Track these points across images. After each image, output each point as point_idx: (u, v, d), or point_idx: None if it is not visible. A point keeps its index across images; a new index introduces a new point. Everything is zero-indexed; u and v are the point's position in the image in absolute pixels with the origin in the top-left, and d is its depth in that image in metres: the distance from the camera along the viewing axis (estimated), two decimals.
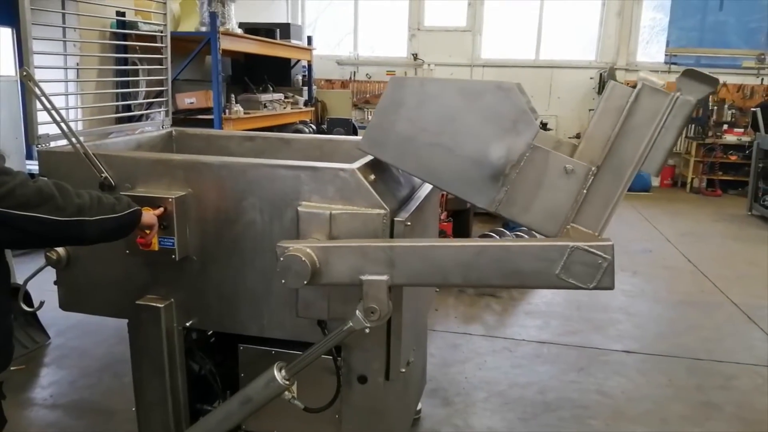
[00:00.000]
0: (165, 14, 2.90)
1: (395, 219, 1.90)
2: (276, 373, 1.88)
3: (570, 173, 1.71)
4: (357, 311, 1.76)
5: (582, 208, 1.70)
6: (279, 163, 1.98)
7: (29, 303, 2.98)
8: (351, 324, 1.78)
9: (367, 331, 1.78)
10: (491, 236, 5.48)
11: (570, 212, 1.71)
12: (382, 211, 1.86)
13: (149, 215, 1.89)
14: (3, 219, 1.41)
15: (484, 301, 4.89)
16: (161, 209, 1.95)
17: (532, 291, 5.18)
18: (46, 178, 1.64)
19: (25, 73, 2.05)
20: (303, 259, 1.73)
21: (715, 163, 9.84)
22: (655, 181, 10.30)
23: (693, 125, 10.20)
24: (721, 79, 10.18)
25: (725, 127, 9.92)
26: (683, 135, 10.35)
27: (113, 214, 1.67)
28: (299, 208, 1.90)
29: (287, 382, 1.88)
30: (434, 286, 1.86)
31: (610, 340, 4.23)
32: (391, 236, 1.88)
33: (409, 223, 1.91)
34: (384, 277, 1.72)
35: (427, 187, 2.44)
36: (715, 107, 9.96)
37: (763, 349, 4.12)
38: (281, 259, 1.75)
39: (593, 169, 1.68)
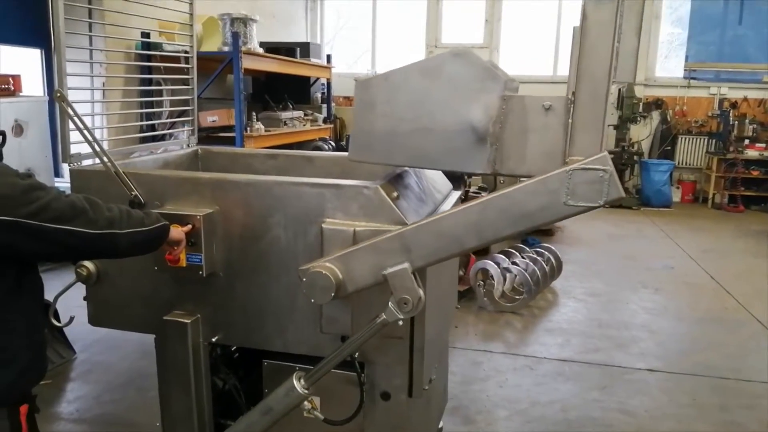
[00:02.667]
0: (192, 36, 2.98)
1: None
2: (295, 382, 1.88)
3: (550, 109, 1.72)
4: (389, 303, 1.74)
5: (574, 139, 1.68)
6: (304, 181, 2.02)
7: (57, 318, 3.04)
8: (384, 317, 1.76)
9: (401, 323, 1.76)
10: (511, 252, 5.48)
11: (564, 146, 1.71)
12: None
13: (177, 231, 1.94)
14: (38, 232, 1.46)
15: (504, 318, 4.87)
16: (189, 226, 1.99)
17: (553, 308, 5.15)
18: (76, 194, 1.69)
19: (59, 94, 2.12)
20: (325, 273, 1.76)
21: (737, 178, 9.73)
22: (676, 197, 10.21)
23: (714, 140, 10.12)
24: (742, 93, 10.12)
25: (746, 142, 9.81)
26: (704, 150, 10.29)
27: (142, 227, 1.72)
28: (323, 225, 1.93)
29: (306, 391, 1.88)
30: (453, 256, 1.85)
31: (633, 358, 4.19)
32: None
33: None
34: (405, 265, 1.73)
35: (448, 204, 2.46)
36: (736, 122, 9.87)
37: None
38: (304, 279, 1.78)
39: (570, 97, 1.68)
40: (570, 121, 1.68)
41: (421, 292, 1.74)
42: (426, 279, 1.88)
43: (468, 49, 1.80)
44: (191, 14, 2.94)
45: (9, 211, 1.41)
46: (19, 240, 1.44)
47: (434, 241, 1.73)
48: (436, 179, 2.61)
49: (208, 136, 5.89)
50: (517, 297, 5.07)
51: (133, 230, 1.68)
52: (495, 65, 1.81)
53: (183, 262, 2.03)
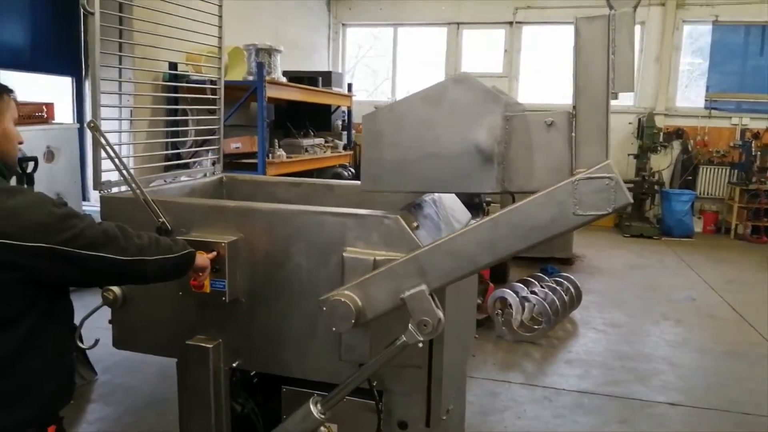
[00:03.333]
0: (220, 68, 3.07)
1: None
2: (312, 407, 1.89)
3: (552, 125, 1.76)
4: (409, 326, 1.75)
5: (579, 151, 1.71)
6: (326, 210, 2.07)
7: (81, 341, 3.10)
8: (404, 339, 1.76)
9: (420, 345, 1.77)
10: (529, 281, 5.47)
11: (570, 160, 1.73)
12: None
13: (203, 258, 1.99)
14: (73, 258, 1.53)
15: (523, 348, 4.83)
16: (214, 253, 2.05)
17: (572, 338, 5.10)
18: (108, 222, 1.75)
19: (92, 124, 2.21)
20: (344, 300, 1.79)
21: (760, 209, 9.60)
22: (698, 227, 10.09)
23: (736, 170, 10.02)
24: (764, 124, 10.04)
25: None
26: (726, 180, 10.19)
27: (170, 254, 1.78)
28: (344, 254, 1.97)
29: (323, 416, 1.89)
30: (469, 275, 1.87)
31: (654, 392, 4.12)
32: None
33: None
34: (422, 287, 1.75)
35: None
36: (759, 152, 9.78)
37: None
38: (324, 308, 1.82)
39: (572, 111, 1.71)
40: (573, 134, 1.72)
41: (440, 313, 1.75)
42: (445, 308, 1.90)
43: (468, 75, 1.86)
44: (220, 47, 3.04)
45: (46, 238, 1.48)
46: (54, 266, 1.51)
47: (449, 260, 1.76)
48: (455, 208, 2.64)
49: (231, 162, 6.01)
50: (535, 326, 5.04)
51: (161, 257, 1.74)
52: (496, 88, 1.86)
53: (207, 288, 2.08)
